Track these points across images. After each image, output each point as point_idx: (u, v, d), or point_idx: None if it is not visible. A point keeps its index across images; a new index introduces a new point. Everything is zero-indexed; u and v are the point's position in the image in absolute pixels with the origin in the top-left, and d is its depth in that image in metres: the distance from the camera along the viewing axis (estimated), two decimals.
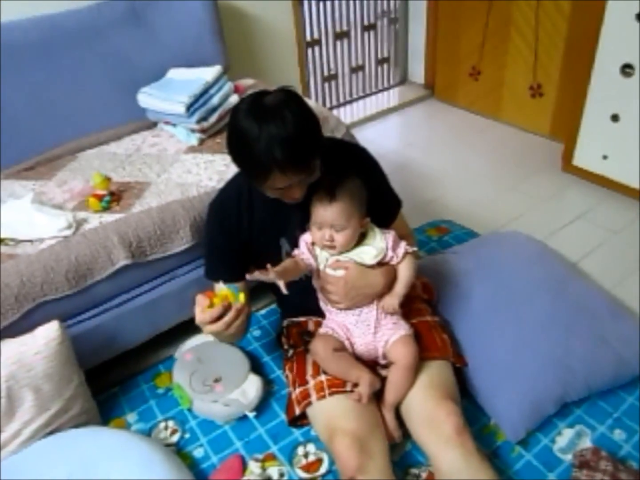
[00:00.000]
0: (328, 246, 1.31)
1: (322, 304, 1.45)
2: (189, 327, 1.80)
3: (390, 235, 1.37)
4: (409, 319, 1.45)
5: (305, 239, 1.36)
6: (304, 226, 1.37)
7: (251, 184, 1.31)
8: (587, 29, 2.45)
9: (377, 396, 1.40)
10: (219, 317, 1.23)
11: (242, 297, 1.25)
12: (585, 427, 1.50)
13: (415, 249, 1.40)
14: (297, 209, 1.35)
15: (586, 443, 1.45)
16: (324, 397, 1.36)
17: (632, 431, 1.48)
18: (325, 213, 1.27)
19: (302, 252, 1.35)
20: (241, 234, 1.41)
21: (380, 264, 1.36)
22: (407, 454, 1.45)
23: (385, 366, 1.43)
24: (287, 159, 1.15)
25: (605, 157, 2.54)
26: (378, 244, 1.35)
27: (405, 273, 1.37)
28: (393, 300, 1.36)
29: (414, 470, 1.40)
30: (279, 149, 1.13)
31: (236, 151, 1.23)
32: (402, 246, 1.37)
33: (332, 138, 1.53)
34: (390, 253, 1.36)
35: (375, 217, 1.37)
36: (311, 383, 1.40)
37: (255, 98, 1.20)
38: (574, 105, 2.59)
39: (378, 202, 1.39)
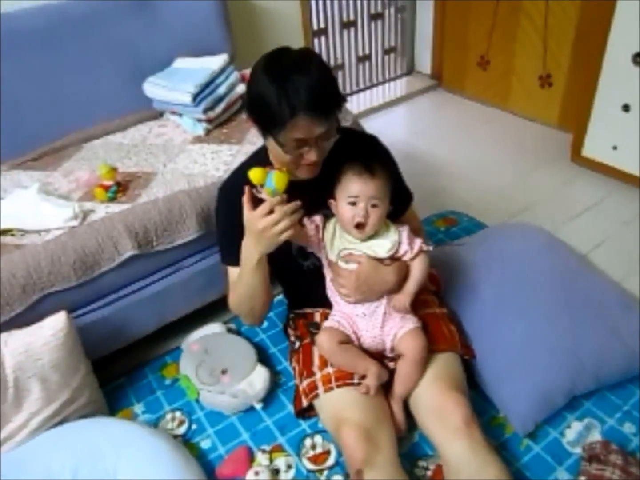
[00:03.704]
0: (359, 224, 1.28)
1: (331, 294, 1.43)
2: (195, 318, 1.81)
3: (405, 229, 1.36)
4: (416, 311, 1.43)
5: (315, 219, 1.35)
6: (312, 213, 1.36)
7: (268, 139, 1.27)
8: (598, 17, 2.41)
9: (385, 388, 1.40)
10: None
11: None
12: (595, 420, 1.48)
13: (430, 248, 1.38)
14: (309, 194, 1.33)
15: (595, 436, 1.44)
16: (331, 389, 1.36)
17: None
18: (366, 186, 1.26)
19: (313, 220, 1.34)
20: None
21: (393, 258, 1.35)
22: (415, 445, 1.44)
23: (393, 359, 1.42)
24: (313, 102, 1.16)
25: (615, 148, 2.51)
26: (392, 237, 1.33)
27: (417, 272, 1.36)
28: (405, 298, 1.35)
29: (422, 463, 1.40)
30: (305, 92, 1.15)
31: (259, 100, 1.20)
32: (418, 242, 1.35)
33: (345, 127, 1.52)
34: (404, 247, 1.34)
35: None
36: (318, 375, 1.39)
37: (276, 53, 1.24)
38: (583, 94, 2.56)
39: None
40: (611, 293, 1.72)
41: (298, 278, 1.48)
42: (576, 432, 1.46)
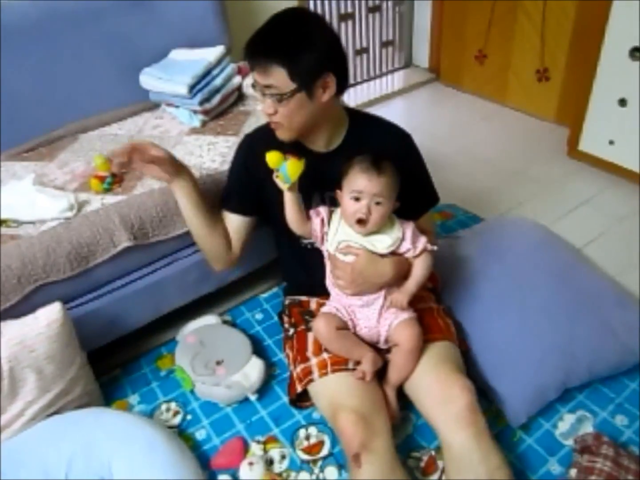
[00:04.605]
0: (361, 220, 1.27)
1: (330, 284, 1.43)
2: (191, 310, 1.81)
3: (409, 226, 1.34)
4: (412, 306, 1.42)
5: (320, 212, 1.34)
6: (323, 191, 1.38)
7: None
8: (595, 11, 2.41)
9: (380, 376, 1.40)
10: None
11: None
12: (587, 413, 1.50)
13: (435, 248, 1.37)
14: (327, 171, 1.33)
15: (588, 428, 1.45)
16: (326, 374, 1.36)
17: (634, 417, 1.48)
18: (371, 183, 1.25)
19: (319, 212, 1.34)
20: (260, 174, 1.36)
21: (395, 254, 1.34)
22: (409, 437, 1.45)
23: (387, 350, 1.42)
24: (254, 45, 1.23)
25: (611, 143, 2.51)
26: (394, 234, 1.32)
27: (419, 271, 1.35)
28: (403, 297, 1.34)
29: (416, 454, 1.41)
30: (259, 35, 1.22)
31: None
32: (422, 241, 1.34)
33: (382, 118, 1.51)
34: (406, 245, 1.33)
35: (404, 205, 1.35)
36: (313, 361, 1.39)
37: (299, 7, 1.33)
38: (580, 89, 2.56)
39: (410, 191, 1.36)
40: (607, 288, 1.73)
41: (295, 255, 1.49)
42: (569, 425, 1.47)
